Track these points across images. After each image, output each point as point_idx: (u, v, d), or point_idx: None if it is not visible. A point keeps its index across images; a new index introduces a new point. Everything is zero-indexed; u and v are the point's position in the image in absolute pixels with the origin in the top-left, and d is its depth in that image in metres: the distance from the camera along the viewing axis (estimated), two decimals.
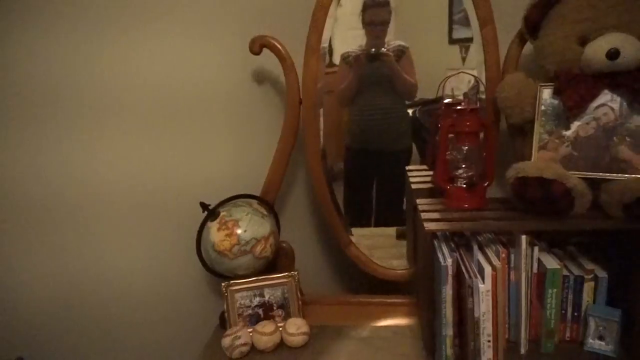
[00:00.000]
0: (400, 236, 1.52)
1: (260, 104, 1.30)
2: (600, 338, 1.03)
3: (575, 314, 1.06)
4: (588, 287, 1.04)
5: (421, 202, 1.14)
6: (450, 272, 0.94)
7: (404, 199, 1.42)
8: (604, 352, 1.02)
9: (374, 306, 1.28)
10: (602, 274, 1.04)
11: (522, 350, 1.04)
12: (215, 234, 1.14)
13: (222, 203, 1.20)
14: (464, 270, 0.95)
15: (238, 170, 1.33)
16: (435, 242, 1.01)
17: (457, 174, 1.11)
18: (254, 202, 1.23)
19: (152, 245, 1.35)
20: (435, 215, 1.06)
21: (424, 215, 1.05)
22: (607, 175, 0.99)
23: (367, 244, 1.38)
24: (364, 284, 1.39)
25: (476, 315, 0.94)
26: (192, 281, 1.38)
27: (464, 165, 1.11)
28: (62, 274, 1.31)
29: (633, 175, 0.96)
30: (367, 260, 1.32)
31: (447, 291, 0.94)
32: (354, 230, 1.39)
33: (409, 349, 1.10)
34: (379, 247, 1.42)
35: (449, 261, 0.93)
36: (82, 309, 1.33)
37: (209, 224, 1.17)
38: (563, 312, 1.06)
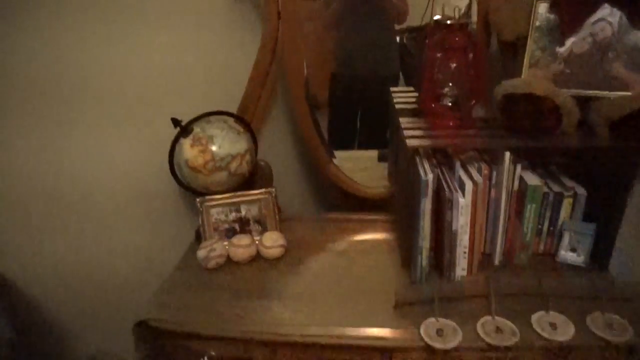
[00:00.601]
0: (382, 158, 1.51)
1: (237, 17, 1.22)
2: (573, 250, 1.05)
3: (551, 228, 1.07)
4: (566, 203, 1.05)
5: (404, 121, 1.11)
6: (430, 186, 0.92)
7: (387, 125, 1.40)
8: (575, 262, 1.04)
9: (352, 223, 1.28)
10: (581, 191, 1.04)
11: (496, 262, 1.06)
12: (188, 150, 1.11)
13: (195, 120, 1.15)
14: (444, 185, 0.94)
15: (213, 88, 1.27)
16: (417, 159, 0.98)
17: (443, 92, 1.07)
18: (230, 119, 1.19)
19: (126, 159, 1.31)
20: (418, 132, 1.03)
21: (406, 133, 1.02)
22: (598, 93, 0.97)
23: (349, 167, 1.37)
24: (342, 204, 1.39)
25: (454, 228, 0.94)
26: (168, 197, 1.36)
27: (450, 84, 1.07)
28: (47, 171, 1.28)
29: (623, 93, 0.94)
30: (346, 178, 1.31)
31: (426, 205, 0.93)
32: (337, 154, 1.37)
33: (385, 261, 1.11)
34: (360, 169, 1.41)
35: (430, 176, 0.92)
36: (60, 211, 1.31)
37: (182, 140, 1.13)
38: (539, 226, 1.06)
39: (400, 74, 1.41)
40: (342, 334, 0.89)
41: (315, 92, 1.30)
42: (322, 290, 1.02)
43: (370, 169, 1.44)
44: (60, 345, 1.38)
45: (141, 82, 1.25)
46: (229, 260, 1.12)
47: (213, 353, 0.97)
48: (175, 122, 1.11)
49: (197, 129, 1.12)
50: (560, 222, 1.06)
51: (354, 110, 1.42)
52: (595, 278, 0.96)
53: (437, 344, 0.84)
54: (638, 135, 0.91)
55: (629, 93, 0.94)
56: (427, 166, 0.97)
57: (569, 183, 1.06)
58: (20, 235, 1.28)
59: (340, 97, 1.37)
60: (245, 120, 1.22)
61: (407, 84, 1.36)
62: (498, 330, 0.87)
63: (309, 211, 1.44)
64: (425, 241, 0.97)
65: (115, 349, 1.37)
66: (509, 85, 0.96)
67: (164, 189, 1.34)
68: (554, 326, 0.87)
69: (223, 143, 1.10)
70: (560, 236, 1.06)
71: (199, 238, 1.22)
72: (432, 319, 0.90)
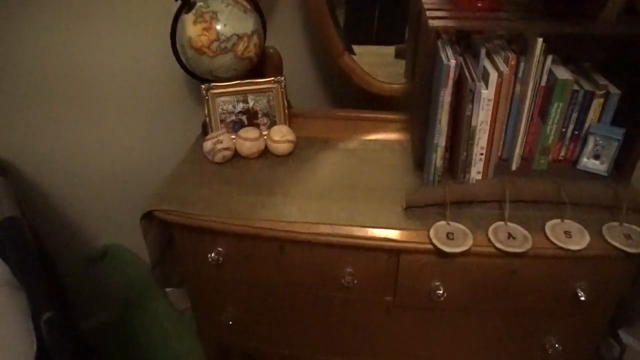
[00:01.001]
0: (399, 54, 1.40)
1: None
2: (596, 157, 0.99)
3: (576, 132, 1.00)
4: (596, 103, 0.96)
5: (427, 2, 0.99)
6: (451, 74, 0.83)
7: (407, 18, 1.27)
8: (597, 170, 0.99)
9: (365, 121, 1.22)
10: (615, 90, 0.95)
11: (514, 167, 1.01)
12: (191, 27, 1.00)
13: None
14: (466, 74, 0.85)
15: None
16: (439, 44, 0.89)
17: None
18: None
19: (129, 47, 1.21)
20: (443, 13, 0.92)
21: (429, 14, 0.91)
22: None
23: (364, 62, 1.27)
24: (354, 100, 1.31)
25: (473, 123, 0.87)
26: (172, 85, 1.28)
27: None
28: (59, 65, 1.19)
29: None
30: (361, 72, 1.21)
31: (445, 96, 0.85)
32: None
33: (397, 161, 1.07)
34: (376, 65, 1.31)
35: (452, 62, 0.82)
36: (63, 100, 1.25)
37: (184, 16, 1.02)
38: (563, 130, 0.99)
39: None
40: (351, 234, 0.88)
41: None
42: (332, 188, 0.99)
43: (387, 65, 1.34)
44: (71, 237, 1.40)
45: None
46: (236, 154, 1.09)
47: (221, 249, 0.98)
48: None
49: (200, 3, 1.01)
50: (586, 126, 0.99)
51: (373, 3, 1.28)
52: (617, 187, 0.92)
53: (446, 247, 0.83)
54: None
55: None
56: (449, 52, 0.87)
57: (602, 81, 0.96)
58: (28, 126, 1.23)
59: None
60: None
61: None
62: (510, 236, 0.84)
63: (319, 107, 1.37)
64: (441, 138, 0.91)
65: (126, 242, 1.40)
66: None
67: (169, 78, 1.26)
68: (569, 234, 0.84)
69: (228, 20, 1.00)
70: (585, 141, 1.00)
71: (205, 131, 1.18)
72: (443, 222, 0.88)
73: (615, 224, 0.86)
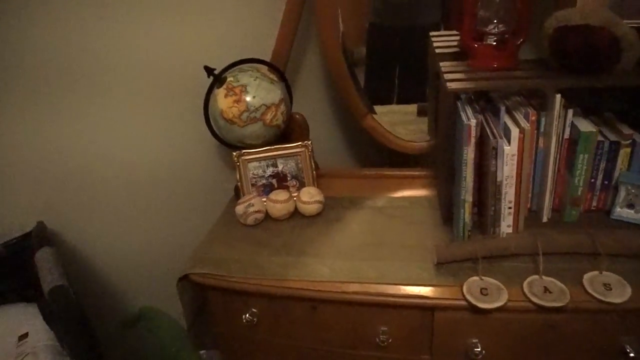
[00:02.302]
0: (421, 112, 1.44)
1: None
2: (630, 206, 0.98)
3: (605, 182, 0.99)
4: (623, 153, 0.96)
5: (445, 65, 1.04)
6: (472, 133, 0.86)
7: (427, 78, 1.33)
8: (632, 220, 0.97)
9: (390, 179, 1.25)
10: None
11: (545, 218, 1.01)
12: (222, 100, 1.08)
13: (227, 68, 1.11)
14: (488, 132, 0.88)
15: (244, 37, 1.23)
16: (459, 105, 0.92)
17: (486, 30, 0.99)
18: (263, 67, 1.15)
19: (162, 117, 1.29)
20: (460, 75, 0.96)
21: (447, 77, 0.96)
22: None
23: (387, 121, 1.32)
24: (379, 159, 1.35)
25: (499, 179, 0.89)
26: (205, 154, 1.35)
27: (495, 21, 0.98)
28: (76, 145, 1.28)
29: None
30: (384, 131, 1.26)
31: (469, 153, 0.87)
32: (374, 108, 1.32)
33: (424, 217, 1.08)
34: (398, 124, 1.35)
35: (473, 122, 0.86)
36: (101, 179, 1.33)
37: (216, 90, 1.10)
38: (592, 180, 0.99)
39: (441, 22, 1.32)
40: (383, 292, 0.88)
41: (352, 47, 1.23)
42: (361, 247, 1.00)
43: (409, 123, 1.38)
44: (107, 301, 1.45)
45: (170, 42, 1.22)
46: (267, 216, 1.12)
47: (255, 310, 0.99)
48: (209, 70, 1.08)
49: (230, 78, 1.09)
50: (616, 175, 0.99)
51: (392, 63, 1.34)
52: None
53: (481, 304, 0.82)
54: None
55: None
56: (469, 112, 0.91)
57: (627, 130, 0.97)
58: (70, 201, 1.31)
59: (378, 48, 1.30)
60: (278, 68, 1.17)
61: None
62: (546, 290, 0.83)
63: (345, 166, 1.41)
64: (467, 194, 0.92)
65: (159, 305, 1.43)
66: (562, 17, 0.87)
67: (201, 149, 1.33)
68: (608, 287, 0.82)
69: (257, 92, 1.07)
70: (616, 190, 0.99)
71: (237, 194, 1.22)
72: (475, 277, 0.87)
73: None
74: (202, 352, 1.49)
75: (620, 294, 0.80)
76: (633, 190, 0.97)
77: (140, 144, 1.29)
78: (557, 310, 0.81)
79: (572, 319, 0.83)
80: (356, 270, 0.93)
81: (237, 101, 1.07)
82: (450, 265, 0.91)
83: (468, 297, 0.83)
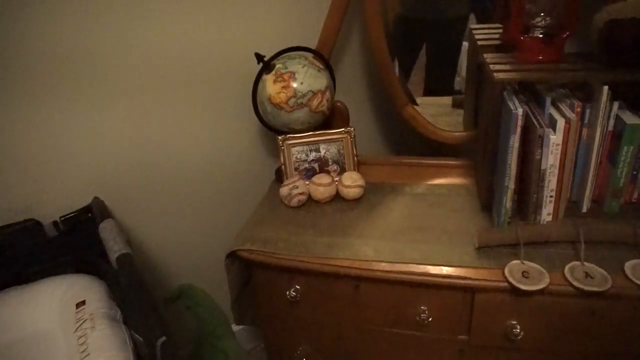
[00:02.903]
0: (456, 104, 1.47)
1: None
2: None
3: None
4: None
5: (489, 56, 1.06)
6: (519, 122, 0.89)
7: (455, 71, 1.35)
8: None
9: (428, 167, 1.27)
10: None
11: (584, 209, 1.03)
12: (271, 86, 1.12)
13: (276, 55, 1.16)
14: (534, 121, 0.90)
15: (292, 25, 1.26)
16: (505, 95, 0.95)
17: (533, 22, 1.01)
18: (309, 55, 1.19)
19: (209, 105, 1.34)
20: (506, 67, 0.98)
21: (492, 67, 0.98)
22: None
23: (424, 112, 1.34)
24: (418, 148, 1.37)
25: (543, 167, 0.91)
26: (247, 139, 1.40)
27: (542, 13, 1.00)
28: (130, 133, 1.33)
29: None
30: (424, 121, 1.29)
31: (515, 142, 0.90)
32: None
33: (464, 205, 1.11)
34: (435, 114, 1.38)
35: (520, 111, 0.88)
36: (150, 163, 1.38)
37: (264, 76, 1.14)
38: (634, 172, 1.01)
39: (473, 14, 1.34)
40: (426, 272, 0.92)
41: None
42: (403, 230, 1.04)
43: (444, 115, 1.41)
44: (149, 277, 1.51)
45: (221, 38, 1.26)
46: (309, 199, 1.16)
47: (298, 287, 1.04)
48: (259, 57, 1.13)
49: (279, 65, 1.13)
50: None
51: (418, 55, 1.37)
52: None
53: (523, 285, 0.84)
54: None
55: None
56: (515, 102, 0.93)
57: None
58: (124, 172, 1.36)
59: (406, 40, 1.32)
60: (324, 56, 1.21)
61: (480, 23, 1.29)
62: (587, 275, 0.85)
63: (384, 155, 1.44)
64: (510, 181, 0.95)
65: (201, 283, 1.48)
66: (614, 10, 0.89)
67: (244, 134, 1.38)
68: None
69: (305, 79, 1.11)
70: None
71: (279, 178, 1.27)
72: (517, 261, 0.90)
73: None
74: (236, 329, 1.55)
75: None
76: None
77: (188, 131, 1.34)
78: (598, 295, 0.83)
79: (613, 305, 0.85)
80: (399, 252, 0.97)
81: (286, 87, 1.11)
82: (491, 249, 0.94)
83: (510, 279, 0.86)
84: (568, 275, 0.86)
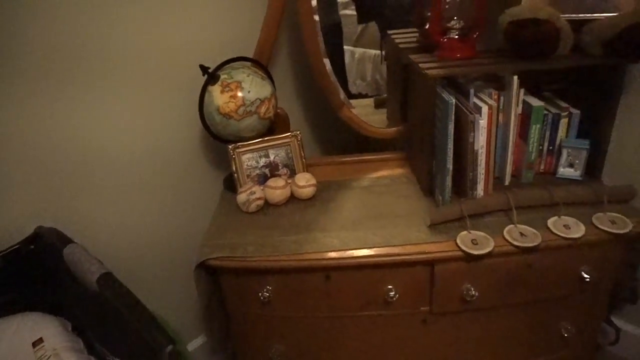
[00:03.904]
0: (378, 105, 1.61)
1: None
2: (570, 166, 1.20)
3: (550, 147, 1.21)
4: (563, 123, 1.18)
5: (415, 57, 1.20)
6: (453, 110, 1.02)
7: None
8: (573, 176, 1.20)
9: (369, 162, 1.38)
10: (575, 110, 1.18)
11: (507, 182, 1.20)
12: (218, 97, 1.15)
13: (220, 67, 1.19)
14: (464, 110, 1.04)
15: (229, 36, 1.30)
16: (438, 88, 1.08)
17: (449, 25, 1.16)
18: (248, 64, 1.23)
19: (151, 115, 1.31)
20: (432, 64, 1.12)
21: (422, 65, 1.11)
22: (590, 16, 1.08)
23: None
24: (353, 146, 1.48)
25: (476, 148, 1.06)
26: (191, 152, 1.39)
27: (455, 17, 1.16)
28: (70, 135, 1.24)
29: (614, 13, 1.05)
30: (360, 121, 1.39)
31: (451, 128, 1.03)
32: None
33: (408, 191, 1.23)
34: (361, 115, 1.49)
35: (454, 100, 1.02)
36: (94, 171, 1.30)
37: (210, 87, 1.17)
38: (540, 147, 1.20)
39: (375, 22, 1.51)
40: (389, 253, 1.01)
41: None
42: (361, 219, 1.12)
43: (369, 114, 1.52)
44: None
45: (159, 43, 1.25)
46: (265, 203, 1.20)
47: (269, 287, 1.07)
48: (204, 69, 1.15)
49: (224, 76, 1.16)
50: (558, 141, 1.21)
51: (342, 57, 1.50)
52: (594, 186, 1.12)
53: (474, 251, 0.97)
54: (626, 51, 1.04)
55: (618, 13, 1.05)
56: (447, 94, 1.07)
57: (564, 105, 1.19)
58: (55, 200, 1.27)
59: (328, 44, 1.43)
60: (264, 65, 1.26)
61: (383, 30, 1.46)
62: (522, 235, 1.01)
63: (326, 155, 1.51)
64: (450, 163, 1.08)
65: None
66: (514, 12, 1.06)
67: (188, 145, 1.37)
68: (567, 227, 1.02)
69: (251, 87, 1.15)
70: (559, 154, 1.21)
71: (228, 186, 1.29)
72: (465, 232, 1.03)
73: (601, 214, 1.05)
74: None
75: (577, 231, 1.01)
76: (572, 153, 1.19)
77: (131, 140, 1.30)
78: (532, 249, 0.99)
79: (544, 257, 1.02)
80: (362, 239, 1.05)
81: (234, 96, 1.14)
82: (441, 225, 1.07)
83: (462, 247, 0.99)
84: (507, 237, 1.01)
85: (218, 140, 1.24)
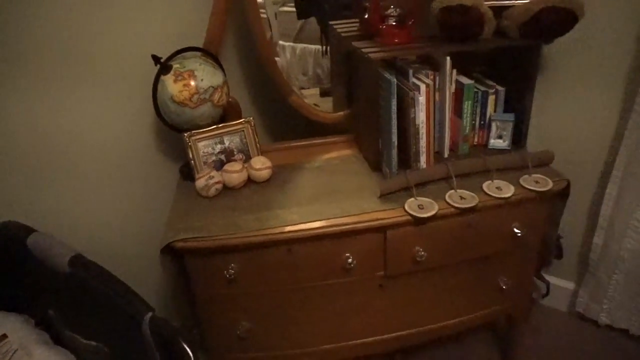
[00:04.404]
0: (323, 94, 1.69)
1: None
2: (499, 137, 1.34)
3: (482, 122, 1.34)
4: (491, 99, 1.32)
5: (357, 44, 1.29)
6: (395, 89, 1.12)
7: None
8: (502, 146, 1.34)
9: (320, 146, 1.46)
10: (501, 88, 1.32)
11: (446, 154, 1.32)
12: (172, 85, 1.18)
13: (171, 57, 1.21)
14: (405, 88, 1.15)
15: (179, 28, 1.32)
16: (380, 70, 1.17)
17: (387, 13, 1.26)
18: (199, 54, 1.27)
19: (105, 107, 1.32)
20: (374, 49, 1.21)
21: (365, 50, 1.20)
22: (508, 2, 1.21)
23: None
24: (303, 132, 1.55)
25: (417, 123, 1.16)
26: (146, 144, 1.41)
27: (392, 6, 1.26)
28: (25, 130, 1.21)
29: (528, 0, 1.19)
30: (309, 107, 1.46)
31: (394, 104, 1.13)
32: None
33: (358, 169, 1.32)
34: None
35: (394, 80, 1.12)
36: (52, 164, 1.28)
37: (163, 77, 1.19)
38: (473, 122, 1.33)
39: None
40: (345, 222, 1.09)
41: None
42: (317, 196, 1.20)
43: (317, 103, 1.60)
44: None
45: (109, 35, 1.26)
46: (224, 188, 1.25)
47: (234, 265, 1.12)
48: (156, 59, 1.17)
49: (176, 65, 1.19)
50: (488, 116, 1.34)
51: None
52: (521, 153, 1.26)
53: (421, 214, 1.08)
54: (539, 33, 1.18)
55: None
56: (388, 74, 1.16)
57: (491, 83, 1.33)
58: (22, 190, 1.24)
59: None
60: (214, 55, 1.30)
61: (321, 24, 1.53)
62: (462, 198, 1.13)
63: (279, 141, 1.57)
64: (395, 137, 1.18)
65: None
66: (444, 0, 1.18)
67: (143, 134, 1.38)
68: (499, 189, 1.15)
69: (204, 76, 1.19)
70: (490, 127, 1.34)
71: (185, 175, 1.32)
72: (412, 199, 1.13)
73: (526, 176, 1.19)
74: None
75: (507, 192, 1.14)
76: (500, 125, 1.33)
77: (87, 133, 1.30)
78: (471, 210, 1.11)
79: (481, 216, 1.14)
80: (320, 212, 1.13)
81: (187, 85, 1.18)
82: (390, 195, 1.16)
83: (410, 211, 1.09)
84: (449, 200, 1.12)
85: (173, 129, 1.27)
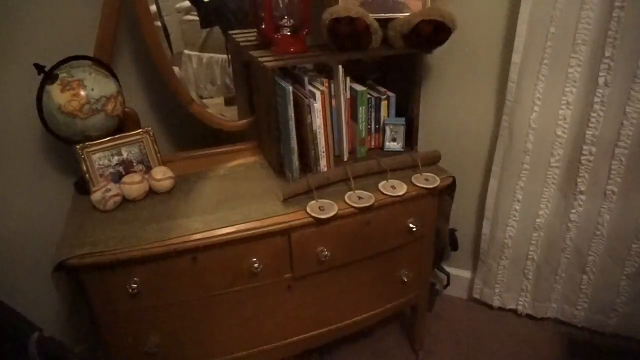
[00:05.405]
0: (228, 103, 1.70)
1: None
2: (393, 140, 1.44)
3: (377, 126, 1.43)
4: (384, 104, 1.42)
5: (254, 53, 1.32)
6: (291, 96, 1.17)
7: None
8: (396, 148, 1.44)
9: (223, 154, 1.46)
10: (392, 94, 1.42)
11: (345, 158, 1.39)
12: (59, 96, 1.12)
13: (57, 65, 1.15)
14: (301, 95, 1.20)
15: (65, 35, 1.26)
16: (276, 78, 1.21)
17: (281, 23, 1.31)
18: (89, 62, 1.22)
19: None
20: (270, 58, 1.25)
21: (261, 59, 1.24)
22: (391, 15, 1.31)
23: None
24: (207, 140, 1.54)
25: (314, 128, 1.22)
26: (35, 159, 1.32)
27: (285, 16, 1.31)
28: None
29: (407, 13, 1.30)
30: (211, 115, 1.46)
31: (291, 111, 1.18)
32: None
33: (261, 175, 1.34)
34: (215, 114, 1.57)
35: (291, 88, 1.16)
36: None
37: (48, 87, 1.13)
38: (369, 126, 1.42)
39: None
40: (249, 227, 1.11)
41: None
42: (221, 202, 1.20)
43: (221, 112, 1.60)
44: None
45: None
46: (124, 200, 1.21)
47: (137, 279, 1.08)
48: (39, 67, 1.10)
49: (62, 74, 1.14)
50: (382, 120, 1.44)
51: None
52: (412, 154, 1.36)
53: (322, 215, 1.13)
54: (419, 43, 1.29)
55: (409, 13, 1.31)
56: (284, 82, 1.21)
57: (382, 89, 1.43)
58: None
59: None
60: (105, 63, 1.25)
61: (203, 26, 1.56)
62: (360, 198, 1.20)
63: (180, 151, 1.54)
64: (294, 143, 1.22)
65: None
66: (333, 11, 1.24)
67: (29, 152, 1.30)
68: (394, 187, 1.24)
69: (94, 85, 1.15)
70: (384, 131, 1.44)
71: (80, 189, 1.26)
72: (313, 201, 1.18)
73: (418, 174, 1.29)
74: None
75: (400, 190, 1.23)
76: (394, 129, 1.43)
77: None
78: (369, 209, 1.18)
79: (378, 214, 1.22)
80: (224, 218, 1.13)
81: (76, 95, 1.12)
82: (293, 199, 1.20)
83: (312, 213, 1.14)
84: (348, 201, 1.18)
85: (62, 141, 1.20)
